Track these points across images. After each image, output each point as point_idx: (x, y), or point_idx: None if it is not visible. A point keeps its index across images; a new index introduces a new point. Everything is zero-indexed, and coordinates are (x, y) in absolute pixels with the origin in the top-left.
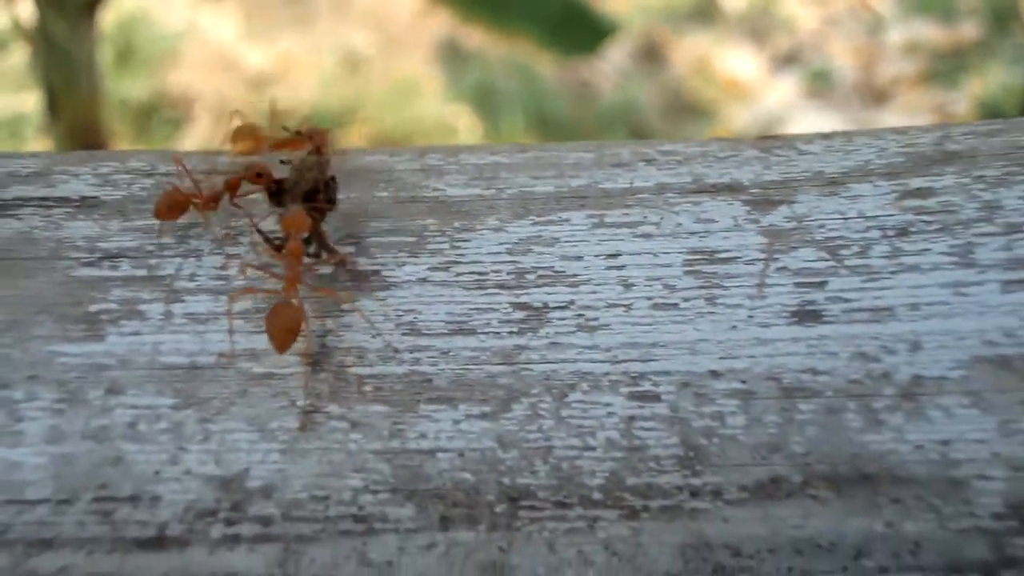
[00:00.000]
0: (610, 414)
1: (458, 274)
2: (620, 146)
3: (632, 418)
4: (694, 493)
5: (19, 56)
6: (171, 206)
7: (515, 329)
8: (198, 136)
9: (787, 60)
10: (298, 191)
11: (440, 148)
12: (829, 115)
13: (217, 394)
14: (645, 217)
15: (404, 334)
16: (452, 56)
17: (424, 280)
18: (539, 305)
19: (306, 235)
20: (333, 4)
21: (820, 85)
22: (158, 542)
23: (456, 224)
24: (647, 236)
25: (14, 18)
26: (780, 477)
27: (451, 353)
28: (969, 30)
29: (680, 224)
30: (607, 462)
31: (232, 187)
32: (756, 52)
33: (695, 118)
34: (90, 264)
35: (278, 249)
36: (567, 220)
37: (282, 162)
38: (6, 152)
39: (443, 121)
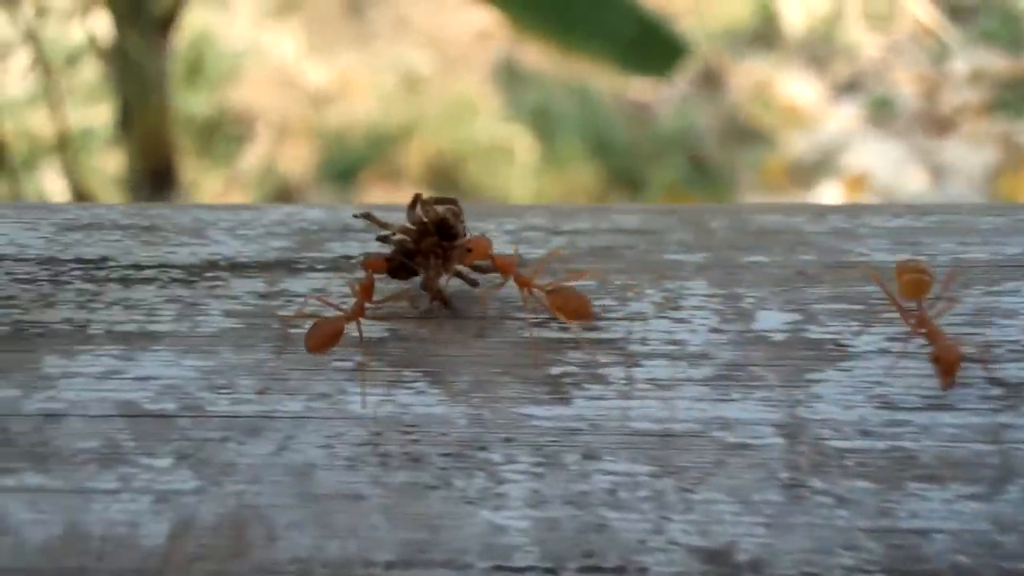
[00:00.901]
0: None
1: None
2: None
3: None
4: None
5: (89, 71)
6: (327, 337)
7: (996, 406)
8: (259, 152)
9: (848, 87)
10: (419, 247)
11: (842, 208)
12: (891, 143)
13: (694, 463)
14: None
15: (877, 407)
16: (509, 77)
17: (885, 351)
18: (1015, 382)
19: (381, 275)
20: (392, 23)
21: (882, 113)
22: None
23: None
24: None
25: (90, 34)
26: None
27: (931, 429)
28: None
29: None
30: None
31: (367, 290)
32: (816, 78)
33: (753, 143)
34: (539, 325)
35: (473, 284)
36: (1016, 291)
37: (379, 239)
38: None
39: (499, 142)
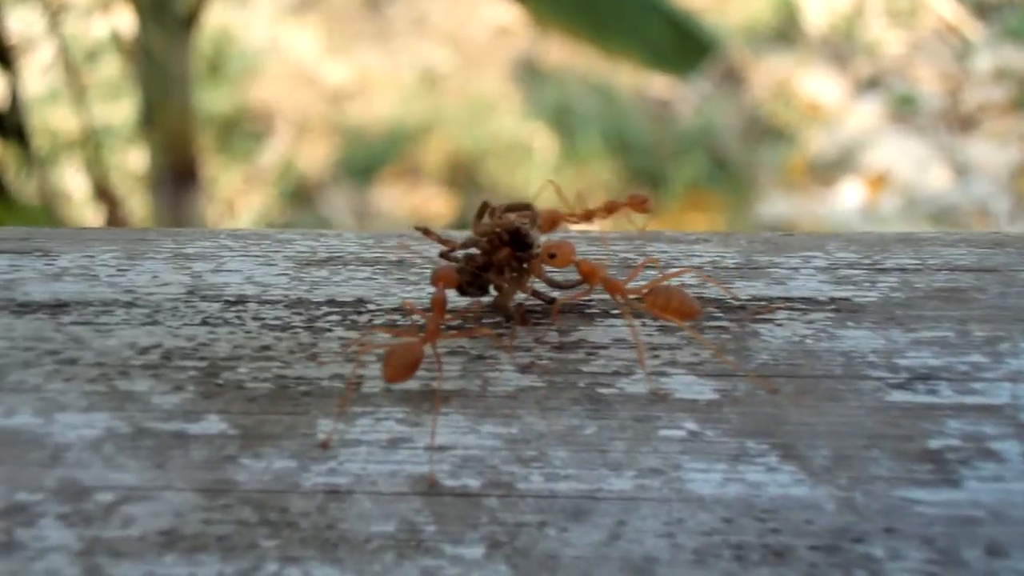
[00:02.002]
0: None
1: None
2: None
3: None
4: None
5: (110, 68)
6: (407, 365)
7: None
8: (279, 149)
9: (870, 84)
10: (491, 260)
11: None
12: (913, 141)
13: None
14: None
15: None
16: (529, 75)
17: None
18: None
19: (453, 289)
20: (412, 21)
21: (904, 110)
22: None
23: None
24: None
25: (113, 30)
26: None
27: None
28: None
29: None
30: None
31: (440, 306)
32: (838, 75)
33: (774, 141)
34: (900, 387)
35: (549, 301)
36: None
37: (442, 256)
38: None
39: (519, 140)
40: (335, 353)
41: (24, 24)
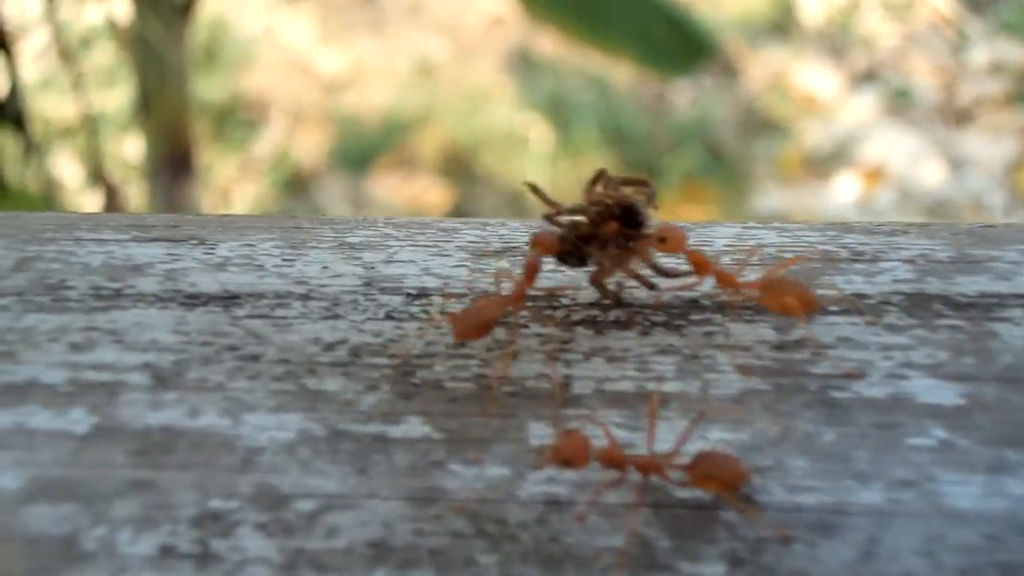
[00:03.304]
0: None
1: None
2: None
3: None
4: None
5: (104, 55)
6: (479, 325)
7: None
8: (273, 138)
9: (866, 77)
10: (597, 231)
11: None
12: (908, 134)
13: None
14: None
15: None
16: (524, 65)
17: None
18: None
19: (553, 257)
20: (406, 10)
21: (900, 103)
22: None
23: None
24: None
25: (109, 17)
26: None
27: None
28: None
29: None
30: None
31: (532, 271)
32: (834, 68)
33: (769, 134)
34: None
35: (650, 287)
36: None
37: (545, 218)
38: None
39: (514, 130)
40: (537, 351)
41: (18, 10)
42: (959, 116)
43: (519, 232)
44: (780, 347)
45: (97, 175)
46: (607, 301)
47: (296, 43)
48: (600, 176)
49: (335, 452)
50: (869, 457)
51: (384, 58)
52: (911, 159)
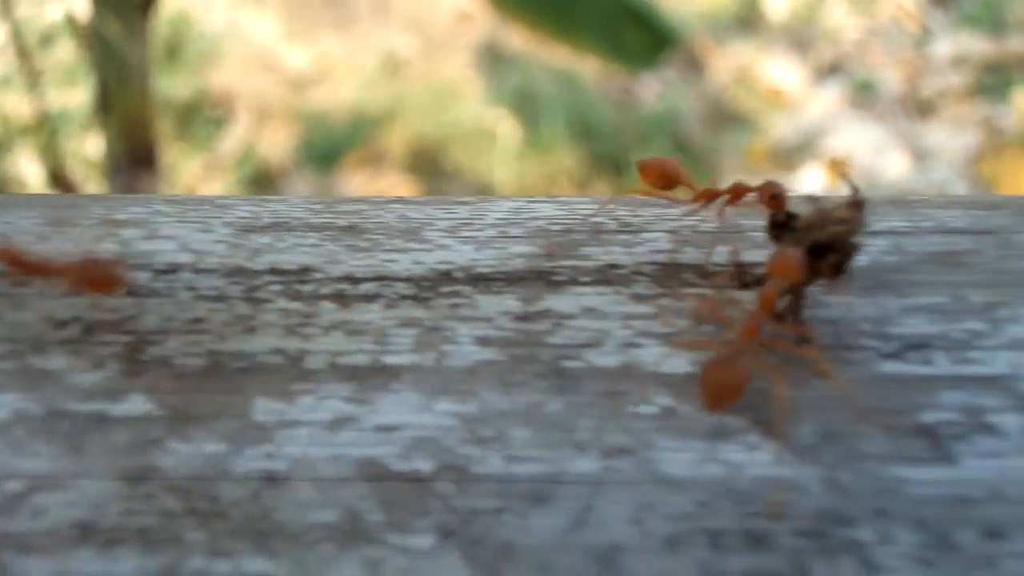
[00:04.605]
0: None
1: None
2: None
3: None
4: None
5: (65, 52)
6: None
7: None
8: (239, 135)
9: (830, 70)
10: (808, 238)
11: None
12: (873, 127)
13: None
14: None
15: None
16: (492, 60)
17: None
18: None
19: (787, 287)
20: (373, 6)
21: (864, 96)
22: None
23: None
24: None
25: (68, 14)
26: None
27: None
28: (1018, 43)
29: None
30: None
31: (736, 194)
32: (799, 62)
33: (736, 127)
34: (892, 357)
35: (745, 286)
36: None
37: (808, 198)
38: None
39: (482, 126)
40: (277, 326)
41: None
42: (922, 108)
43: (296, 208)
44: (523, 318)
45: (56, 174)
46: (801, 330)
47: (262, 39)
48: (858, 197)
49: (51, 432)
50: (592, 426)
51: (351, 54)
52: (876, 151)
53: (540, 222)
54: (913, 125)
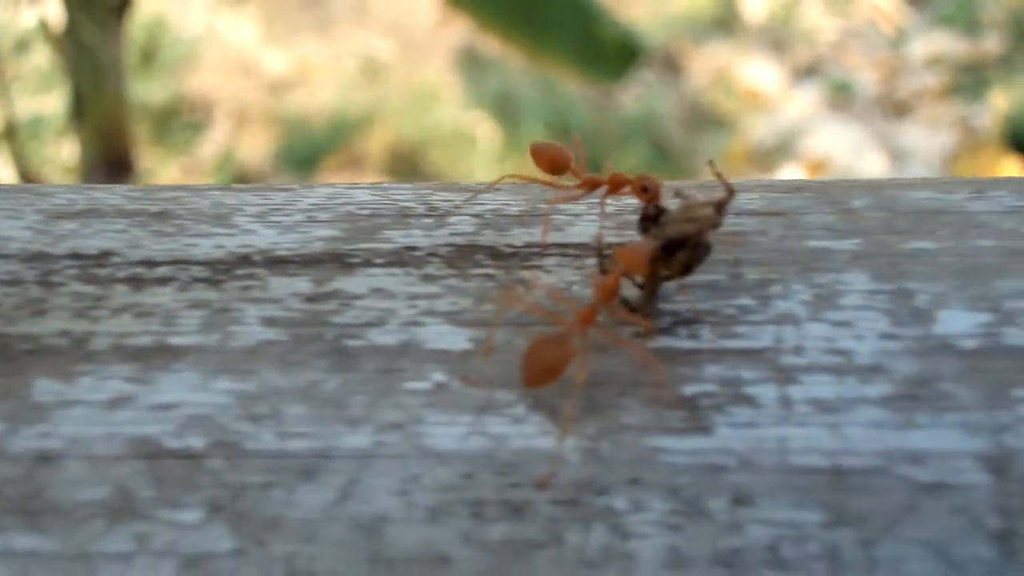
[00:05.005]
0: None
1: None
2: None
3: None
4: None
5: (40, 58)
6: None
7: None
8: (218, 140)
9: (808, 72)
10: (665, 233)
11: (1007, 182)
12: (850, 127)
13: (876, 508)
14: None
15: None
16: (471, 63)
17: None
18: None
19: (639, 281)
20: (352, 10)
21: (841, 97)
22: None
23: None
24: None
25: (42, 19)
26: None
27: None
28: (993, 43)
29: None
30: None
31: (614, 185)
32: (776, 63)
33: (714, 129)
34: (663, 332)
35: (605, 272)
36: None
37: (677, 194)
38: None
39: (461, 128)
40: (67, 309)
41: None
42: (898, 108)
43: (115, 195)
44: (311, 299)
45: (27, 179)
46: (643, 322)
47: (240, 43)
48: (731, 195)
49: None
50: (365, 402)
51: (330, 58)
52: (853, 151)
53: (351, 207)
54: (890, 125)
